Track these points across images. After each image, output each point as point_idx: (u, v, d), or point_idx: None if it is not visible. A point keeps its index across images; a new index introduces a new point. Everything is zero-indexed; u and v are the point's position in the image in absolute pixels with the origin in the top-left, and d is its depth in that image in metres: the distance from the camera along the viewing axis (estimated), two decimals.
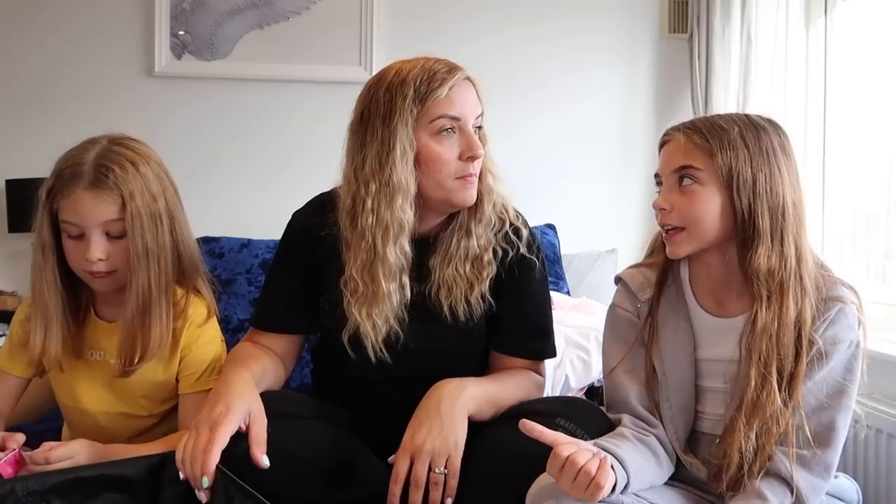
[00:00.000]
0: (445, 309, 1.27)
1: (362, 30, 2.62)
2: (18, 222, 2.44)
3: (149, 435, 1.33)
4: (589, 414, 1.21)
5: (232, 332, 2.20)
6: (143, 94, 2.62)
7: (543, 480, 1.05)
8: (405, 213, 1.20)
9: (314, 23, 2.63)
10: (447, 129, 1.21)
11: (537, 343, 1.37)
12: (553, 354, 1.41)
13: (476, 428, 1.21)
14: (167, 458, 1.09)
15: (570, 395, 1.80)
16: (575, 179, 2.74)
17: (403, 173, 1.19)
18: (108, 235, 1.21)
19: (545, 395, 1.76)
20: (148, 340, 1.24)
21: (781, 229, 1.11)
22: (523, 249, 1.32)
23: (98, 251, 1.19)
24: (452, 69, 1.25)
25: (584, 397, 1.79)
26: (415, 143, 1.20)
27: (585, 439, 1.13)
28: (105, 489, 1.05)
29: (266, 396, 1.16)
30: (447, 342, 1.30)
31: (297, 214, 1.38)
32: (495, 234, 1.31)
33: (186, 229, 1.31)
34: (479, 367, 1.35)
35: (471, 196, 1.24)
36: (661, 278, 1.23)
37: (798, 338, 1.10)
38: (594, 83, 2.76)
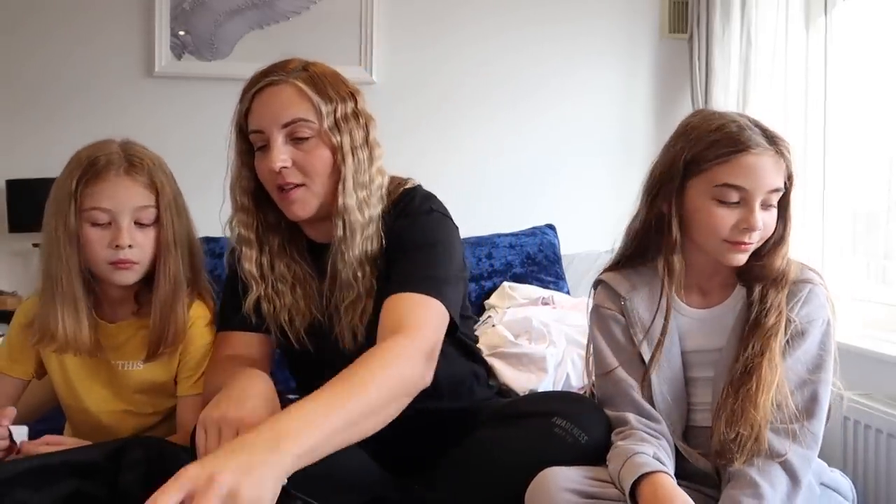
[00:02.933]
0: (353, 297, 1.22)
1: (362, 30, 2.62)
2: (18, 222, 2.44)
3: (153, 433, 1.33)
4: (588, 413, 1.20)
5: None
6: (143, 94, 2.62)
7: (542, 479, 1.05)
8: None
9: (314, 23, 2.63)
10: (259, 146, 1.21)
11: (423, 282, 1.15)
12: (446, 304, 1.15)
13: (473, 428, 1.21)
14: (128, 444, 1.09)
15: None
16: (575, 179, 2.74)
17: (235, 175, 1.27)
18: (136, 224, 1.23)
19: (547, 391, 1.77)
20: (178, 325, 1.26)
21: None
22: (399, 209, 1.25)
23: (128, 237, 1.21)
24: (267, 72, 1.25)
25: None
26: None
27: (583, 440, 1.13)
28: (68, 476, 1.05)
29: None
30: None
31: None
32: (382, 214, 1.25)
33: (194, 230, 1.34)
34: None
35: (288, 209, 1.20)
36: (641, 279, 1.24)
37: None
38: (594, 83, 2.76)
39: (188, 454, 1.03)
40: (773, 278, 1.17)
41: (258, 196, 1.25)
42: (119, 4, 2.61)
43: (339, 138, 1.19)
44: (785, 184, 1.16)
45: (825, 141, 2.25)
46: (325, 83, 1.20)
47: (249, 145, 1.23)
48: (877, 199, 2.14)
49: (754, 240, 1.15)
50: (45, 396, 1.43)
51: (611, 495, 1.05)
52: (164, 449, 1.12)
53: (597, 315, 1.27)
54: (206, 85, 2.64)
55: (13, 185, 2.45)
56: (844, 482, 1.21)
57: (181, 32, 2.62)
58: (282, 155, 1.16)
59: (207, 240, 2.35)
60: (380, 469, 1.19)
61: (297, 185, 1.18)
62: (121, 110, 2.59)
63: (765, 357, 1.12)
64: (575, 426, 1.14)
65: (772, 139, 1.16)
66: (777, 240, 1.18)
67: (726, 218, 1.14)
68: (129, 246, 1.22)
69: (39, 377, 1.36)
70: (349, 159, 1.19)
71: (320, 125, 1.18)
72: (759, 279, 1.18)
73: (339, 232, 1.19)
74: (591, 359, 1.28)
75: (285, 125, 1.17)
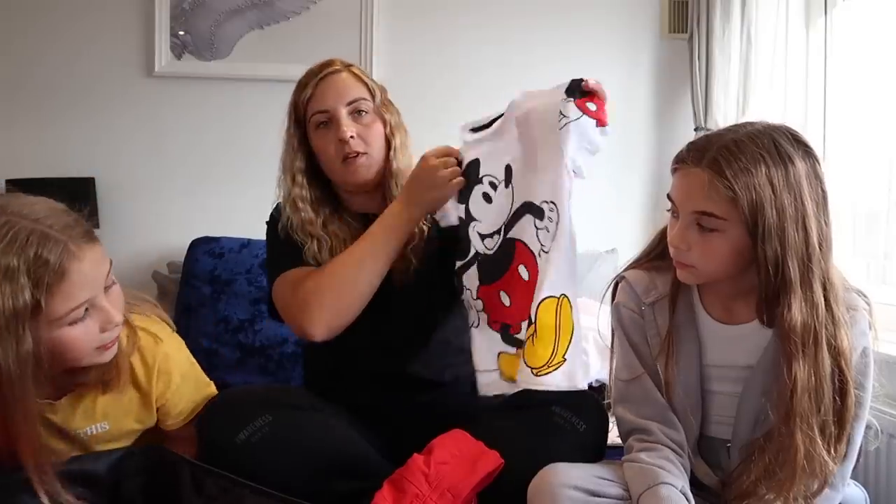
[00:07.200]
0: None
1: (362, 30, 2.62)
2: None
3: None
4: (586, 404, 1.23)
5: (232, 332, 2.20)
6: (143, 94, 2.62)
7: (544, 476, 1.05)
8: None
9: (314, 23, 2.63)
10: (321, 124, 1.37)
11: None
12: None
13: (476, 423, 1.22)
14: (130, 453, 1.11)
15: None
16: (575, 179, 2.73)
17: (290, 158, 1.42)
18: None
19: None
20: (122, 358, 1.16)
21: (810, 276, 1.02)
22: None
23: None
24: (323, 66, 1.40)
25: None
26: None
27: (581, 428, 1.17)
28: (69, 484, 1.06)
29: (267, 389, 1.18)
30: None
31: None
32: None
33: None
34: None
35: (354, 174, 1.38)
36: (674, 284, 1.20)
37: (841, 373, 1.04)
38: None
39: (188, 462, 1.04)
40: (797, 347, 1.01)
41: (310, 174, 1.43)
42: (119, 4, 2.61)
43: (387, 116, 1.42)
44: (749, 224, 1.00)
45: (825, 141, 2.25)
46: (367, 76, 1.44)
47: (303, 133, 1.41)
48: (877, 199, 2.14)
49: (681, 258, 1.09)
50: None
51: (612, 493, 1.05)
52: (164, 458, 1.13)
53: (618, 314, 1.25)
54: (205, 85, 2.64)
55: (13, 186, 2.45)
56: (859, 493, 1.19)
57: (181, 32, 2.62)
58: (350, 126, 1.36)
59: (207, 240, 2.36)
60: (380, 458, 1.21)
61: (361, 154, 1.37)
62: (121, 110, 2.58)
63: (798, 450, 1.01)
64: (573, 415, 1.19)
65: (709, 159, 1.02)
66: (771, 288, 1.02)
67: (671, 230, 1.13)
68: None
69: None
70: (397, 133, 1.43)
71: (374, 103, 1.41)
72: (792, 348, 1.03)
73: (394, 193, 1.38)
74: (614, 358, 1.26)
75: (349, 103, 1.38)
